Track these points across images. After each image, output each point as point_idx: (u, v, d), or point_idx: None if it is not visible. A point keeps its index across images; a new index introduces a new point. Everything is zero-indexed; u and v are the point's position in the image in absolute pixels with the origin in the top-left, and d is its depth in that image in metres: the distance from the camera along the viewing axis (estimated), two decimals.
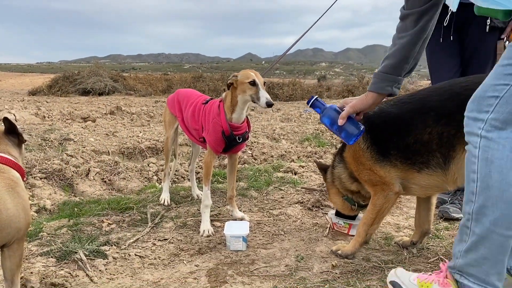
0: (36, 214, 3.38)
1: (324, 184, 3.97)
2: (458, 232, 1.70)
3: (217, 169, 4.90)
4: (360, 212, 2.87)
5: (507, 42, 2.93)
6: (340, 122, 2.09)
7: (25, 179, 1.91)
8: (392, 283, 1.90)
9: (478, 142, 1.57)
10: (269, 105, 2.72)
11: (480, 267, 1.61)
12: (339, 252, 2.51)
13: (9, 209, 1.67)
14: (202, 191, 3.71)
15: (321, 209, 3.43)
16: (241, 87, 2.84)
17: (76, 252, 2.49)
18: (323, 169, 2.88)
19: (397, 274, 1.92)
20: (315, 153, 5.69)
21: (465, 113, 1.64)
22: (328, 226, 3.02)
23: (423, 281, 1.79)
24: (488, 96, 1.55)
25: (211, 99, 3.21)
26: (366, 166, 2.37)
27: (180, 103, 3.39)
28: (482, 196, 1.57)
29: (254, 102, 2.80)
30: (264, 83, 2.86)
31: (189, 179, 4.13)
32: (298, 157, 5.51)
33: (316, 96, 2.25)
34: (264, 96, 2.75)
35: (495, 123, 1.53)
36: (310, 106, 2.25)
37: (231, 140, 2.92)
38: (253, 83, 2.80)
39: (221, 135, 2.89)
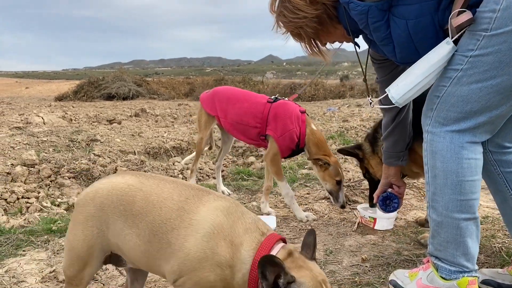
0: (65, 212, 3.43)
1: (351, 180, 3.92)
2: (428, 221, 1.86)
3: (241, 167, 4.90)
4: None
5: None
6: (375, 201, 2.52)
7: None
8: (392, 282, 2.01)
9: (426, 137, 1.75)
10: (342, 207, 3.08)
11: (446, 250, 1.74)
12: (422, 241, 2.58)
13: None
14: (227, 188, 3.71)
15: (349, 204, 3.38)
16: (327, 176, 3.04)
17: None
18: (353, 149, 2.91)
19: (395, 274, 2.03)
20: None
21: (422, 112, 1.80)
22: (357, 221, 2.97)
23: (412, 272, 1.93)
24: (433, 95, 1.73)
25: (276, 98, 3.23)
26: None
27: (221, 102, 3.33)
28: (432, 185, 1.74)
29: (330, 195, 3.10)
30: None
31: (214, 177, 4.14)
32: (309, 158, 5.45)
33: (390, 190, 2.52)
34: (342, 198, 3.05)
35: (438, 119, 1.70)
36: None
37: (300, 151, 3.16)
38: (339, 183, 3.03)
39: (294, 145, 3.07)
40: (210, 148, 3.92)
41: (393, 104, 1.78)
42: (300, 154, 3.39)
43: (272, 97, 3.25)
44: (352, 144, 2.95)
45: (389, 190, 2.47)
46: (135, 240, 1.48)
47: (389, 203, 2.49)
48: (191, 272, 1.41)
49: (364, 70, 2.09)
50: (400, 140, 2.33)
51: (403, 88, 1.70)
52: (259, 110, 3.13)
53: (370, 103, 2.06)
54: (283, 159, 3.27)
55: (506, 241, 2.53)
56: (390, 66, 2.11)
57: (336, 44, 2.06)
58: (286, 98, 3.26)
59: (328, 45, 2.04)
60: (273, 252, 1.40)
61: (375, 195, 2.48)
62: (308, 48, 1.99)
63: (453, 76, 1.63)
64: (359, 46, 2.01)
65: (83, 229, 1.52)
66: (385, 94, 1.81)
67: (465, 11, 1.54)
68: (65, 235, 2.66)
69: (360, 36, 1.96)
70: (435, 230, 1.76)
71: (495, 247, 2.44)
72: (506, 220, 1.94)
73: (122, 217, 1.50)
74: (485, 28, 1.51)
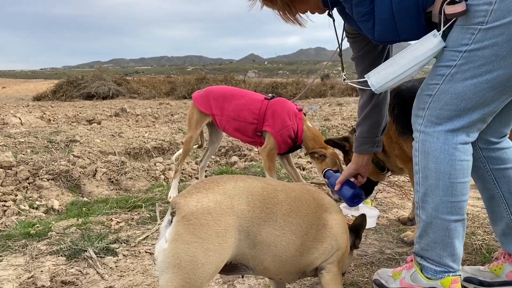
0: (44, 215, 3.36)
1: None
2: (415, 220, 1.85)
3: (224, 167, 4.88)
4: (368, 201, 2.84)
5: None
6: (336, 187, 2.35)
7: None
8: (376, 281, 2.01)
9: (418, 136, 1.72)
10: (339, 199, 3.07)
11: (433, 250, 1.74)
12: (405, 239, 2.60)
13: None
14: None
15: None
16: (324, 167, 3.08)
17: (85, 250, 2.46)
18: (340, 141, 2.86)
19: (379, 273, 2.03)
20: None
21: (412, 111, 1.78)
22: None
23: (396, 272, 1.93)
24: (424, 94, 1.70)
25: (273, 96, 3.35)
26: (394, 139, 2.46)
27: (217, 100, 3.35)
28: (423, 186, 1.72)
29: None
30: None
31: (197, 177, 4.10)
32: (306, 154, 5.46)
33: (328, 168, 2.67)
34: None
35: (431, 118, 1.67)
36: (323, 176, 2.65)
37: (297, 148, 3.29)
38: (336, 173, 3.07)
39: (292, 141, 3.19)
40: (200, 146, 3.90)
41: (368, 86, 1.77)
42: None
43: (269, 95, 3.35)
44: (340, 136, 2.95)
45: (352, 179, 2.38)
46: (290, 238, 1.52)
47: (357, 201, 2.40)
48: (343, 241, 1.68)
49: (339, 43, 2.04)
50: (377, 123, 2.25)
51: (384, 77, 1.69)
52: (256, 106, 3.22)
53: (344, 79, 2.06)
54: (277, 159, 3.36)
55: (486, 238, 2.56)
56: (364, 40, 2.05)
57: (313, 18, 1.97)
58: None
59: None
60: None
61: (338, 182, 2.34)
62: (281, 15, 1.89)
63: (446, 73, 1.61)
64: (334, 19, 1.95)
65: (221, 242, 1.37)
66: (363, 79, 1.80)
67: (460, 1, 1.51)
68: (45, 239, 2.63)
69: (335, 10, 1.91)
70: (423, 230, 1.75)
71: (475, 244, 2.47)
72: (492, 217, 1.95)
73: (271, 221, 1.49)
74: (481, 21, 1.48)
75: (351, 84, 2.07)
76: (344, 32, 2.08)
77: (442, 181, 1.66)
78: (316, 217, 1.62)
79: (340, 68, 2.25)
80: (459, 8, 1.51)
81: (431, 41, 1.61)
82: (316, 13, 1.93)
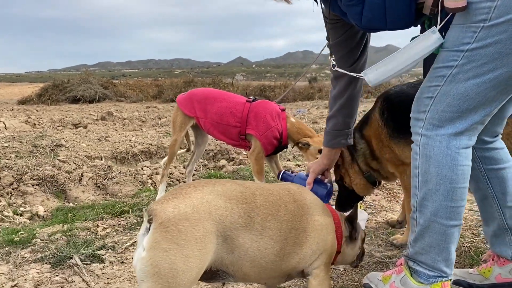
0: (28, 221, 3.29)
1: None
2: (410, 224, 1.83)
3: (212, 170, 4.84)
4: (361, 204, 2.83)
5: None
6: (309, 188, 2.24)
7: None
8: (365, 285, 2.00)
9: (419, 140, 1.69)
10: None
11: (428, 255, 1.73)
12: (394, 242, 2.60)
13: None
14: None
15: None
16: (310, 155, 3.15)
17: (71, 257, 2.41)
18: None
19: (368, 277, 2.02)
20: None
21: (411, 114, 1.75)
22: None
23: (386, 276, 1.92)
24: (424, 97, 1.68)
25: (255, 98, 3.33)
26: (385, 143, 2.45)
27: (200, 103, 3.33)
28: (422, 190, 1.69)
29: None
30: None
31: (185, 181, 4.07)
32: (294, 157, 5.46)
33: (284, 170, 2.58)
34: (329, 178, 3.06)
35: (432, 121, 1.65)
36: (280, 180, 2.45)
37: (283, 148, 3.30)
38: None
39: (276, 141, 3.18)
40: (188, 150, 3.86)
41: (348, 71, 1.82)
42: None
43: (251, 97, 3.33)
44: None
45: (320, 177, 2.35)
46: (268, 243, 1.50)
47: (330, 198, 2.39)
48: (327, 243, 1.67)
49: (327, 28, 2.00)
50: (351, 114, 2.24)
51: (383, 73, 1.67)
52: (238, 109, 3.20)
53: (333, 65, 2.04)
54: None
55: (474, 240, 2.57)
56: (344, 26, 2.02)
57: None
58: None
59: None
60: (337, 212, 1.88)
61: (308, 183, 2.29)
62: None
63: (447, 74, 1.58)
64: (316, 2, 1.92)
65: (200, 247, 1.34)
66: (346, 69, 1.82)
67: None
68: (29, 246, 2.56)
69: None
70: (419, 234, 1.73)
71: (464, 246, 2.48)
72: (483, 217, 1.94)
73: (249, 226, 1.46)
74: (483, 18, 1.45)
75: (340, 71, 2.04)
76: (323, 16, 2.05)
77: (443, 185, 1.64)
78: (295, 221, 1.60)
79: (327, 72, 2.22)
80: (461, 3, 1.47)
81: (430, 38, 1.59)
82: None
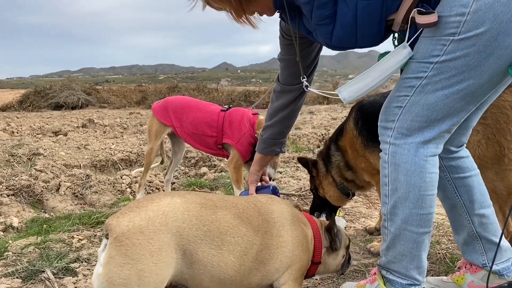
0: (2, 233, 3.21)
1: (302, 189, 3.92)
2: (382, 233, 1.83)
3: (193, 178, 4.81)
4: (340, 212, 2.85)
5: None
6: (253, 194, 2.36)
7: None
8: None
9: (388, 148, 1.71)
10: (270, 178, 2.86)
11: (400, 263, 1.73)
12: (372, 249, 2.63)
13: None
14: None
15: None
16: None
17: (43, 271, 2.36)
18: (309, 162, 2.83)
19: (343, 287, 2.04)
20: (293, 159, 5.64)
21: (378, 123, 1.78)
22: None
23: (360, 285, 1.91)
24: (393, 106, 1.69)
25: (229, 107, 3.29)
26: (360, 152, 2.47)
27: (176, 112, 3.30)
28: (392, 198, 1.71)
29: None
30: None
31: (164, 190, 4.03)
32: None
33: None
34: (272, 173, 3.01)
35: (401, 130, 1.66)
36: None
37: None
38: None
39: (252, 147, 3.10)
40: (162, 163, 3.83)
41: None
42: None
43: (225, 106, 3.31)
44: (312, 157, 2.95)
45: (261, 183, 2.45)
46: (228, 259, 1.45)
47: (266, 190, 2.43)
48: (293, 259, 1.63)
49: (297, 47, 1.96)
50: (289, 126, 2.33)
51: (356, 90, 1.67)
52: (213, 119, 3.19)
53: (306, 86, 2.05)
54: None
55: (450, 247, 2.59)
56: (302, 45, 2.02)
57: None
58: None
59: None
60: (317, 222, 1.86)
61: (252, 192, 2.39)
62: (233, 14, 1.80)
63: (416, 85, 1.60)
64: (285, 21, 1.92)
65: (157, 261, 1.31)
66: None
67: (433, 12, 1.51)
68: (0, 260, 2.49)
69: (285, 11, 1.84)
70: (391, 242, 1.74)
71: (439, 253, 2.49)
72: (453, 226, 1.97)
73: (208, 239, 1.41)
74: (453, 32, 1.49)
75: (314, 91, 2.08)
76: (282, 32, 2.07)
77: (412, 193, 1.65)
78: (258, 236, 1.55)
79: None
80: (433, 18, 1.50)
81: (401, 53, 1.62)
82: (265, 15, 1.88)
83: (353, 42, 1.70)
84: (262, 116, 3.13)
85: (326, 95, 2.03)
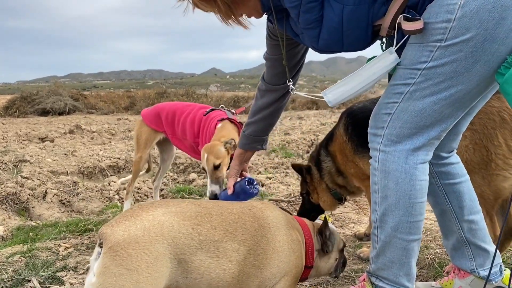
0: None
1: (291, 195, 3.92)
2: (371, 240, 1.83)
3: (182, 184, 4.78)
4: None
5: None
6: (230, 192, 2.34)
7: None
8: None
9: (378, 156, 1.70)
10: (211, 197, 2.70)
11: (390, 270, 1.73)
12: (361, 255, 2.62)
13: None
14: None
15: None
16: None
17: (29, 280, 2.32)
18: (303, 169, 2.82)
19: None
20: (282, 164, 5.65)
21: (368, 130, 1.77)
22: None
23: None
24: (382, 113, 1.69)
25: (212, 109, 3.13)
26: (349, 158, 2.47)
27: (167, 119, 3.21)
28: (382, 205, 1.71)
29: None
30: (219, 164, 2.73)
31: (152, 197, 4.00)
32: (265, 169, 5.46)
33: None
34: (209, 189, 2.73)
35: (391, 137, 1.66)
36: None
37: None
38: (204, 169, 2.78)
39: None
40: (148, 171, 3.78)
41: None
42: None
43: (208, 109, 3.16)
44: (304, 163, 2.94)
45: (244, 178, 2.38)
46: (226, 266, 1.45)
47: (255, 184, 2.37)
48: (289, 265, 1.63)
49: (283, 49, 1.97)
50: (272, 124, 2.33)
51: (342, 93, 1.68)
52: (197, 125, 3.10)
53: (292, 89, 2.06)
54: None
55: (439, 252, 2.60)
56: (288, 46, 2.01)
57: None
58: (233, 110, 3.20)
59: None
60: (310, 227, 1.86)
61: (228, 188, 2.36)
62: (222, 15, 1.79)
63: (404, 91, 1.60)
64: (272, 23, 1.92)
65: (152, 272, 1.29)
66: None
67: (415, 18, 1.52)
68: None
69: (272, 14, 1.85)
70: (380, 250, 1.73)
71: (428, 258, 2.50)
72: (443, 231, 1.97)
73: (204, 247, 1.40)
74: (439, 38, 1.49)
75: (301, 94, 2.15)
76: (268, 32, 2.06)
77: (402, 201, 1.65)
78: (255, 241, 1.55)
79: (300, 82, 2.23)
80: (418, 25, 1.50)
81: (388, 58, 1.62)
82: (253, 17, 1.88)
83: (340, 46, 1.71)
84: (228, 123, 2.96)
85: (311, 98, 2.04)
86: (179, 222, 1.40)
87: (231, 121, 3.01)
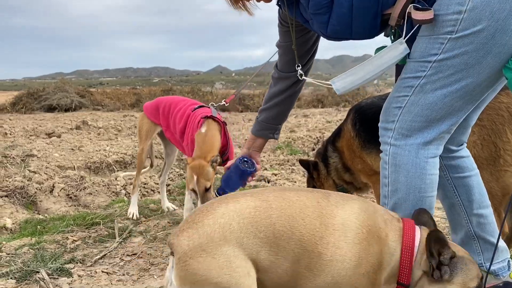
0: None
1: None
2: None
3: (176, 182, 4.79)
4: None
5: None
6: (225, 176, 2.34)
7: None
8: None
9: (388, 149, 1.70)
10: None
11: None
12: None
13: None
14: (172, 203, 3.61)
15: None
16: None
17: (38, 272, 2.35)
18: (310, 165, 2.82)
19: None
20: (288, 161, 5.65)
21: (379, 124, 1.77)
22: None
23: None
24: (393, 107, 1.69)
25: (201, 106, 3.09)
26: (357, 153, 2.49)
27: (164, 110, 3.23)
28: (392, 199, 1.70)
29: None
30: (209, 187, 2.72)
31: (159, 192, 4.01)
32: (271, 166, 5.46)
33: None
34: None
35: (401, 131, 1.65)
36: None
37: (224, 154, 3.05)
38: (193, 191, 2.74)
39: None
40: (151, 166, 3.79)
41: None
42: None
43: (197, 106, 3.11)
44: (312, 158, 2.94)
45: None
46: (284, 265, 1.35)
47: (250, 163, 2.35)
48: (350, 280, 1.37)
49: (293, 35, 1.96)
50: (285, 112, 2.31)
51: (350, 82, 1.68)
52: (184, 120, 3.06)
53: (301, 74, 2.05)
54: None
55: None
56: (299, 32, 2.01)
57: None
58: (223, 101, 3.13)
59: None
60: (417, 236, 1.44)
61: (225, 167, 2.37)
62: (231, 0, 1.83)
63: (415, 85, 1.60)
64: (282, 9, 1.91)
65: (230, 271, 1.27)
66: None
67: (429, 9, 1.50)
68: None
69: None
70: None
71: None
72: (452, 226, 1.97)
73: (266, 245, 1.34)
74: (450, 30, 1.48)
75: (308, 80, 2.08)
76: (279, 19, 2.06)
77: (413, 195, 1.65)
78: (312, 242, 1.37)
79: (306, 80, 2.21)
80: (428, 15, 1.49)
81: (397, 48, 1.61)
82: (262, 2, 1.88)
83: (348, 33, 1.70)
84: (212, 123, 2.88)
85: (320, 84, 2.03)
86: (239, 222, 1.34)
87: (214, 119, 2.92)
